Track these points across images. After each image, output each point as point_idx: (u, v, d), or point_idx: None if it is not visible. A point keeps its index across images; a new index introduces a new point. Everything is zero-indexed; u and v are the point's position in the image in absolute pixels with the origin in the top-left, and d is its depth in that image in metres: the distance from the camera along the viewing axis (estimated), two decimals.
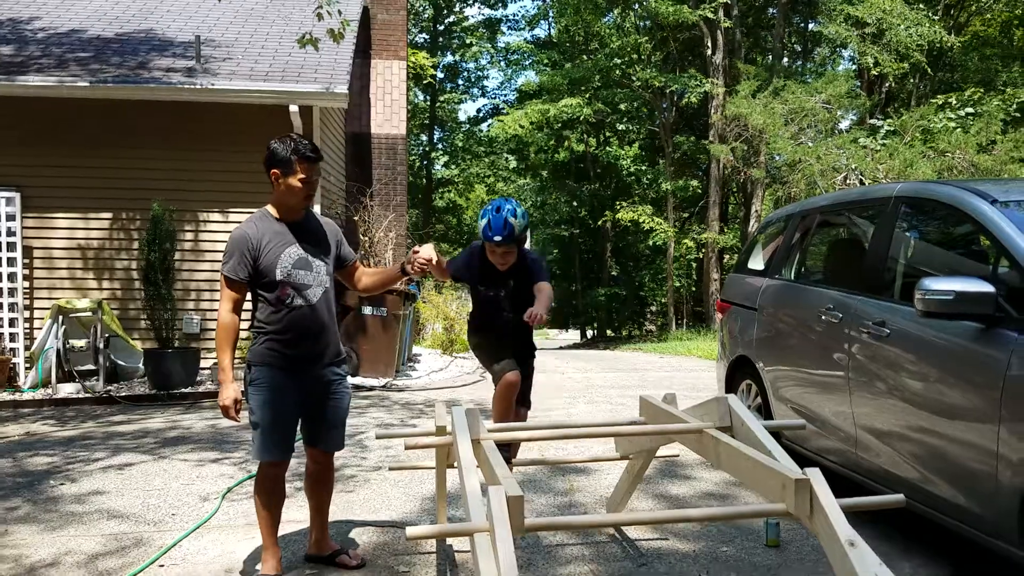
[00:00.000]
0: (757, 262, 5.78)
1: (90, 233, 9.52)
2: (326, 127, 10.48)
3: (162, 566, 3.70)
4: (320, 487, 3.61)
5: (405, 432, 3.22)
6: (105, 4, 11.40)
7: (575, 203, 30.66)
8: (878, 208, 4.34)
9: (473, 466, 2.46)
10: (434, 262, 3.59)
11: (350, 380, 9.41)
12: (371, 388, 9.26)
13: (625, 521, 2.36)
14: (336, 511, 4.43)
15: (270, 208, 3.45)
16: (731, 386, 5.69)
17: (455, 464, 3.56)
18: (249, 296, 3.43)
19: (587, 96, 24.47)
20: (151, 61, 9.57)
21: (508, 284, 3.88)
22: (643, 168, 27.91)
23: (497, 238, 3.66)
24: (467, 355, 15.50)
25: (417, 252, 3.55)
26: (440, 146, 34.52)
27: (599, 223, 29.31)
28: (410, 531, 2.09)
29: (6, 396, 8.44)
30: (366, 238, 11.32)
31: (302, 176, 3.31)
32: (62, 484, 5.08)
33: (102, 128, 9.40)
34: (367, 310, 9.85)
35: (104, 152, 9.40)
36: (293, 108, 9.02)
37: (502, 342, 3.91)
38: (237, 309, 3.34)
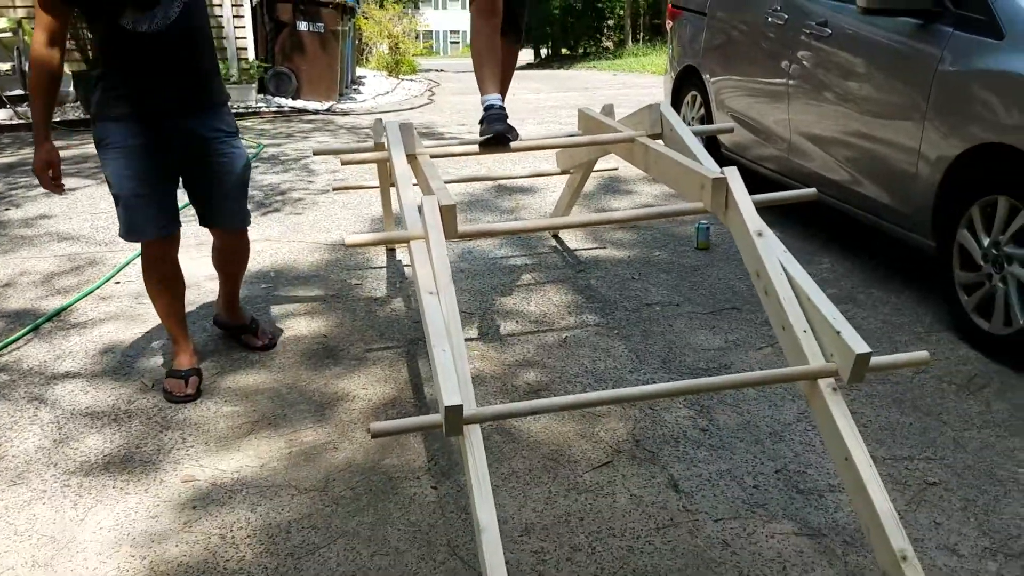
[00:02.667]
0: None
1: None
2: None
3: (118, 283, 3.83)
4: (229, 263, 2.98)
5: (343, 148, 3.20)
6: None
7: None
8: None
9: (409, 179, 2.48)
10: None
11: (286, 102, 9.18)
12: (315, 112, 9.05)
13: (553, 225, 2.44)
14: (286, 232, 4.54)
15: None
16: (677, 98, 5.67)
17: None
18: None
19: None
20: None
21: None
22: None
23: None
24: (415, 77, 15.03)
25: None
26: None
27: None
28: (349, 238, 2.16)
29: None
30: None
31: None
32: (7, 210, 5.08)
33: None
34: (302, 25, 9.33)
35: None
36: None
37: None
38: (57, 40, 2.48)
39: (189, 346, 2.88)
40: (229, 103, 2.79)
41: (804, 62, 3.94)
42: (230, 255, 2.93)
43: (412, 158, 2.69)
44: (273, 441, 2.52)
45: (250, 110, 8.74)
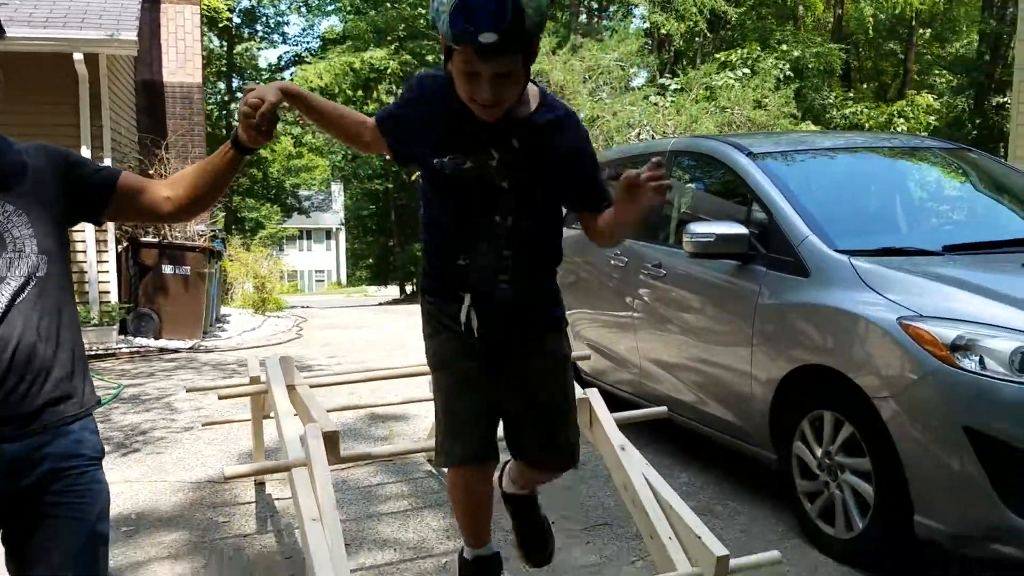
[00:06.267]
0: None
1: None
2: (114, 76, 9.79)
3: None
4: None
5: (218, 385, 3.25)
6: None
7: (387, 156, 30.37)
8: None
9: (289, 411, 2.58)
10: (271, 103, 1.68)
11: (148, 341, 9.06)
12: (176, 351, 8.94)
13: (429, 447, 2.58)
14: (147, 472, 4.38)
15: None
16: None
17: (271, 415, 3.66)
18: None
19: (393, 47, 24.22)
20: None
21: (510, 147, 1.78)
22: None
23: (486, 35, 1.51)
24: (281, 314, 15.19)
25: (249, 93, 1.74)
26: (239, 95, 32.87)
27: (413, 177, 29.32)
28: (227, 470, 2.20)
29: None
30: None
31: None
32: None
33: None
34: (167, 269, 9.44)
35: None
36: (78, 56, 8.37)
37: (482, 325, 1.86)
38: None
39: None
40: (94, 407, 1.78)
41: (645, 298, 4.42)
42: None
43: (291, 388, 2.79)
44: None
45: (110, 351, 8.55)
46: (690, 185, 4.64)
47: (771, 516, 3.59)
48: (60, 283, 1.71)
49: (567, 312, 5.43)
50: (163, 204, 1.82)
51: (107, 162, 8.97)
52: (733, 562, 2.05)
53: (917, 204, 4.15)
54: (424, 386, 5.49)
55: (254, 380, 3.22)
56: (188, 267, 9.48)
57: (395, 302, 23.47)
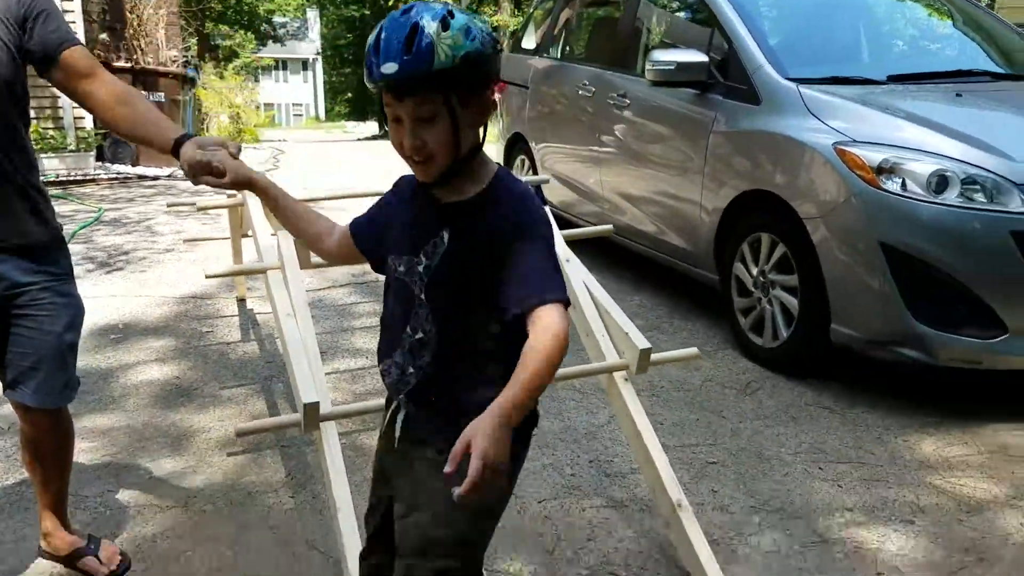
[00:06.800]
0: (530, 41, 6.14)
1: None
2: None
3: None
4: (38, 455, 2.10)
5: (192, 201, 3.41)
6: None
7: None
8: None
9: (264, 221, 2.76)
10: (226, 184, 1.69)
11: (126, 168, 9.11)
12: (155, 178, 9.02)
13: None
14: (132, 288, 4.63)
15: None
16: (509, 162, 6.22)
17: (248, 233, 3.86)
18: None
19: None
20: None
21: (440, 239, 1.42)
22: None
23: (387, 66, 1.30)
24: (258, 146, 15.09)
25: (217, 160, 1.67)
26: None
27: (390, 3, 28.15)
28: (209, 270, 2.41)
29: None
30: (133, 15, 10.43)
31: None
32: None
33: None
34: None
35: None
36: None
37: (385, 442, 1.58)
38: None
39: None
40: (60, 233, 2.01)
41: (610, 130, 4.55)
42: (40, 439, 2.07)
43: None
44: (132, 469, 2.68)
45: (88, 177, 8.61)
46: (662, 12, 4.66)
47: (710, 331, 3.92)
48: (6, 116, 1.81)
49: (536, 144, 5.62)
50: (90, 101, 1.88)
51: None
52: (655, 356, 2.34)
53: (876, 36, 4.23)
54: None
55: (231, 196, 3.38)
56: (162, 93, 9.38)
57: (374, 138, 23.23)
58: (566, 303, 1.33)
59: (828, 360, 3.32)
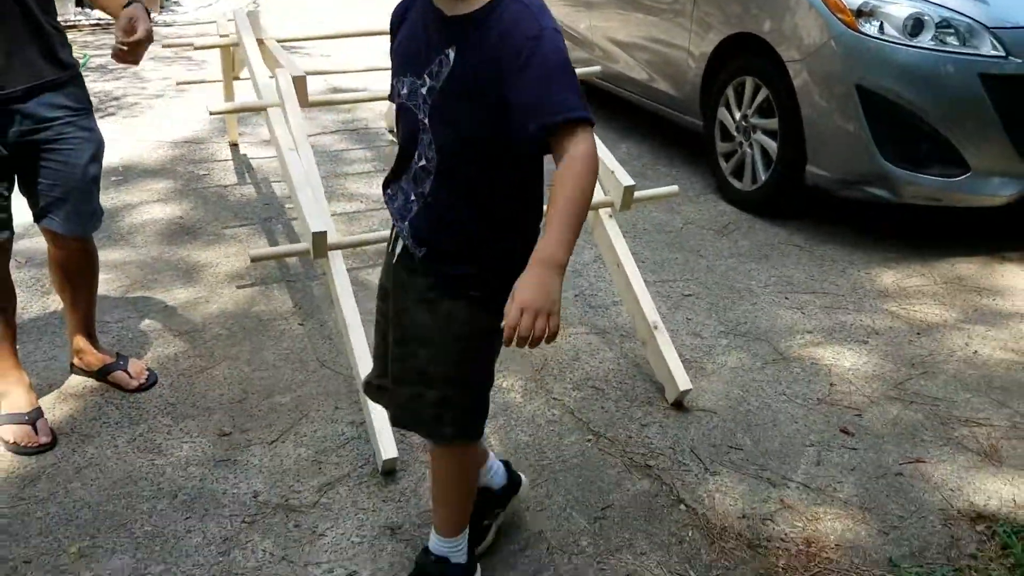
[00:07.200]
0: None
1: None
2: None
3: None
4: (68, 278, 2.27)
5: (188, 42, 3.44)
6: None
7: None
8: None
9: (258, 57, 2.83)
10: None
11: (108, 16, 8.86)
12: None
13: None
14: (126, 132, 4.68)
15: None
16: None
17: (240, 76, 3.90)
18: None
19: None
20: None
21: (445, 57, 1.32)
22: None
23: None
24: None
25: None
26: None
27: None
28: (212, 107, 2.50)
29: None
30: None
31: None
32: None
33: None
34: None
35: None
36: None
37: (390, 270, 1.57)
38: None
39: (25, 378, 2.23)
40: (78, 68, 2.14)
41: None
42: (69, 262, 2.23)
43: (260, 42, 3.02)
44: (148, 299, 2.87)
45: (68, 23, 8.38)
46: None
47: (693, 177, 4.06)
48: None
49: None
50: None
51: None
52: (638, 193, 2.49)
53: None
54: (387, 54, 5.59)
55: (224, 35, 3.41)
56: None
57: None
58: (591, 122, 1.24)
59: (802, 202, 3.49)
